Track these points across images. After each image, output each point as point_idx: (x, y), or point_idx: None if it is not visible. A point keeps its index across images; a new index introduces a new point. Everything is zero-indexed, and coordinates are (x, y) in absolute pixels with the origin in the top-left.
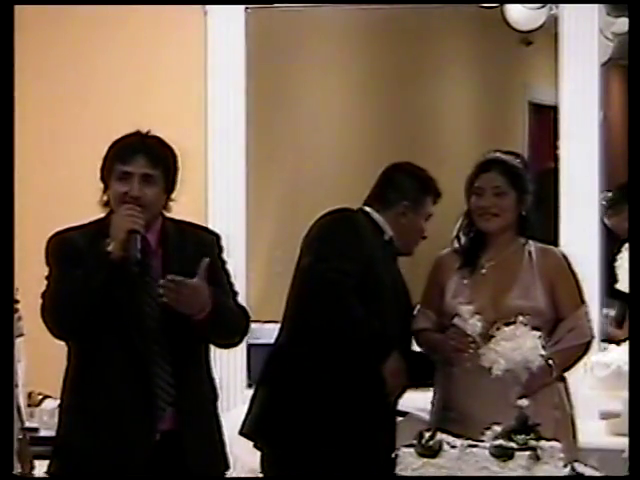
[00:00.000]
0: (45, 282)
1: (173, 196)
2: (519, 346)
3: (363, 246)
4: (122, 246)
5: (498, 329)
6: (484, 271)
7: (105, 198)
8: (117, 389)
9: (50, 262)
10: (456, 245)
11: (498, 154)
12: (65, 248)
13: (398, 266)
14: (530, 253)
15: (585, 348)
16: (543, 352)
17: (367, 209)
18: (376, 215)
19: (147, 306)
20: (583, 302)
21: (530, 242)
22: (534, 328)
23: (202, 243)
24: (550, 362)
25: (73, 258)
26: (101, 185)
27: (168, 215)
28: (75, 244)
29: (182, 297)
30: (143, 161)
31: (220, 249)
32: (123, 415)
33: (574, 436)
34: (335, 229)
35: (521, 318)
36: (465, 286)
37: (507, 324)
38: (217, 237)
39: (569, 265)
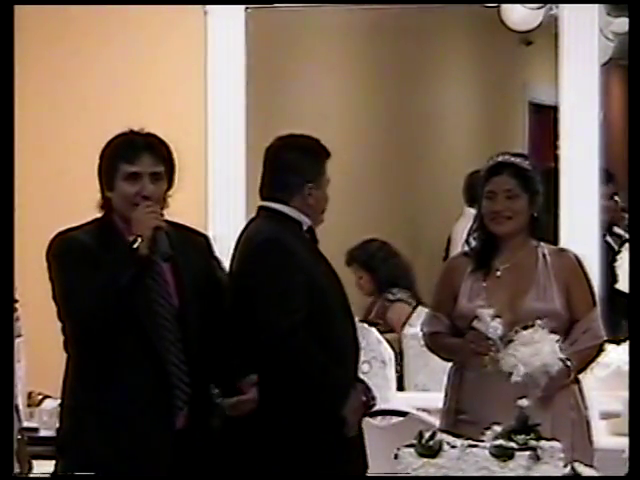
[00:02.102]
0: (49, 283)
1: (171, 192)
2: (537, 351)
3: (298, 265)
4: (148, 243)
5: (517, 332)
6: (499, 274)
7: (102, 200)
8: (135, 388)
9: (56, 263)
10: (466, 248)
11: (507, 157)
12: (74, 248)
13: (320, 253)
14: (545, 255)
15: (598, 349)
16: (561, 355)
17: (274, 205)
18: (286, 208)
19: (159, 306)
20: (595, 304)
21: (542, 244)
22: (551, 330)
23: (198, 246)
24: (568, 364)
25: (83, 257)
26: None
27: (187, 219)
28: (83, 243)
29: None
30: (150, 160)
31: (211, 250)
32: (141, 414)
33: (589, 437)
34: (269, 265)
35: (539, 322)
36: (481, 289)
37: (524, 327)
38: (206, 238)
39: (582, 267)
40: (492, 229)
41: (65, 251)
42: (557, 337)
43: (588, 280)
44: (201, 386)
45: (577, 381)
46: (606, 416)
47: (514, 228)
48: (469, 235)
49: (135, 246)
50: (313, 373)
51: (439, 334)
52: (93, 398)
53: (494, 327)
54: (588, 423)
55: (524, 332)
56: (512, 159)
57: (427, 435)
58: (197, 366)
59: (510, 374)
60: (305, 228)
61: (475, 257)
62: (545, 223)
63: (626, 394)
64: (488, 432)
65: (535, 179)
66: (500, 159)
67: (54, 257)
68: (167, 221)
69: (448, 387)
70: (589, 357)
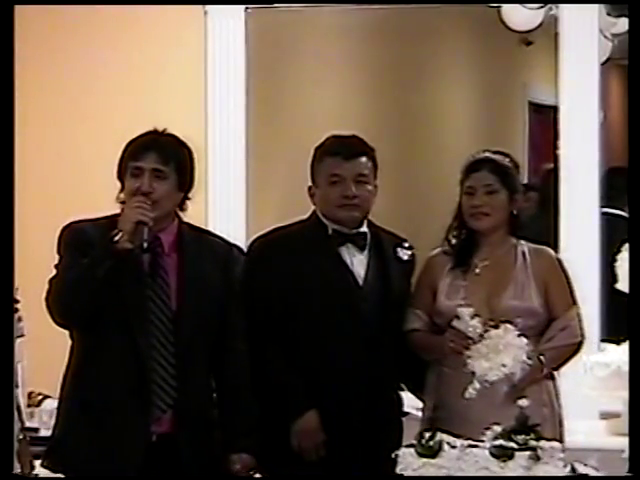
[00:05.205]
0: (54, 271)
1: (190, 195)
2: (498, 364)
3: (277, 268)
4: (129, 237)
5: (486, 331)
6: (478, 271)
7: (122, 196)
8: (114, 385)
9: (61, 250)
10: (446, 246)
11: (487, 153)
12: (76, 237)
13: (365, 257)
14: (524, 253)
15: (576, 348)
16: (525, 359)
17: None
18: (316, 210)
19: (153, 304)
20: (575, 302)
21: (522, 242)
22: (528, 328)
23: (218, 253)
24: (542, 358)
25: (83, 248)
26: (117, 184)
27: (186, 219)
28: (87, 235)
29: None
30: (154, 157)
31: (235, 261)
32: (118, 413)
33: (561, 435)
34: (247, 264)
35: (518, 320)
36: (460, 287)
37: (496, 326)
38: (232, 248)
39: (561, 265)
40: (471, 225)
41: (66, 239)
42: (525, 341)
43: (567, 279)
44: (192, 391)
45: (552, 377)
46: (606, 416)
47: (493, 224)
48: (448, 232)
49: (115, 239)
50: (268, 380)
51: (418, 332)
52: (77, 393)
53: (473, 326)
54: (561, 421)
55: (492, 333)
56: (492, 156)
57: (427, 435)
58: (189, 371)
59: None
60: (330, 231)
61: (454, 254)
62: (525, 222)
63: (626, 394)
64: (488, 432)
65: (515, 177)
66: (479, 156)
67: (57, 244)
68: (189, 224)
69: (427, 384)
70: (565, 355)
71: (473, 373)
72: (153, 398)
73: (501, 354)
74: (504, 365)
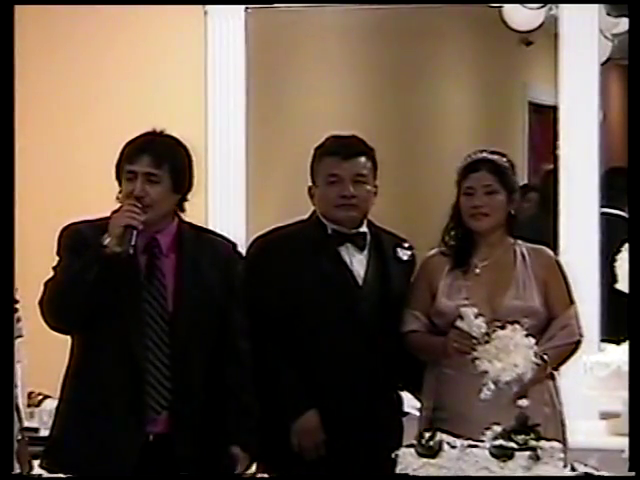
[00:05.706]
0: (51, 273)
1: (189, 196)
2: (510, 364)
3: (276, 268)
4: (118, 241)
5: (494, 331)
6: (478, 271)
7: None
8: (109, 386)
9: (59, 252)
10: (443, 247)
11: (485, 154)
12: (74, 239)
13: (365, 256)
14: (523, 253)
15: (575, 347)
16: (535, 359)
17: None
18: (316, 211)
19: (148, 306)
20: (573, 301)
21: (519, 242)
22: (530, 327)
23: (218, 252)
24: (545, 358)
25: (79, 250)
26: (116, 185)
27: (186, 219)
28: (83, 236)
29: None
30: (147, 160)
31: (236, 260)
32: (114, 414)
33: (563, 433)
34: (247, 264)
35: (525, 319)
36: (462, 287)
37: (502, 327)
38: (233, 247)
39: (559, 265)
40: (470, 225)
41: (64, 241)
42: (533, 341)
43: (565, 278)
44: (188, 392)
45: (552, 377)
46: (606, 416)
47: (492, 224)
48: (445, 233)
49: (105, 243)
50: (267, 381)
51: (417, 333)
52: (73, 394)
53: (478, 325)
54: (562, 420)
55: (501, 333)
56: (490, 156)
57: (427, 435)
58: (184, 372)
59: (485, 372)
60: (329, 231)
61: (453, 255)
62: (522, 221)
63: (626, 394)
64: (488, 432)
65: (512, 177)
66: (477, 156)
67: (57, 245)
68: (190, 224)
69: (425, 385)
70: (565, 353)
71: (485, 374)
72: (147, 399)
73: (512, 354)
74: (516, 365)
